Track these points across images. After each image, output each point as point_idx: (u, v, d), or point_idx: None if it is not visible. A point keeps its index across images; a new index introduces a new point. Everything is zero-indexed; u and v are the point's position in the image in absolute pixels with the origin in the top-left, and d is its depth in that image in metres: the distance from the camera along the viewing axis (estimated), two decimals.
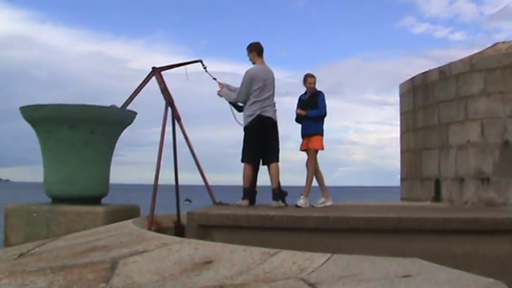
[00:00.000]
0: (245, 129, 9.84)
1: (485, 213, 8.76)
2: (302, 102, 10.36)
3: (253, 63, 9.92)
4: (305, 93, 10.43)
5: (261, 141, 9.73)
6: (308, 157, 10.20)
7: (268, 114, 9.74)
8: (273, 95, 9.91)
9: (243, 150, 9.85)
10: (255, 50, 9.99)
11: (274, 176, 9.74)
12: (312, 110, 10.14)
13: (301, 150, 10.30)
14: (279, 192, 9.73)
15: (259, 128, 9.68)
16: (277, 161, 9.82)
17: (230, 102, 10.30)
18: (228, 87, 10.22)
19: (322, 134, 10.24)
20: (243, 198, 9.65)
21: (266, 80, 9.73)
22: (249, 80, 9.70)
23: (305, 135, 10.21)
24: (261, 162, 9.93)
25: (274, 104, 9.93)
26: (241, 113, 10.05)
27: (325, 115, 10.23)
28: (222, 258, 4.21)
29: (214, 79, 10.38)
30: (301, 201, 9.80)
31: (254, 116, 9.66)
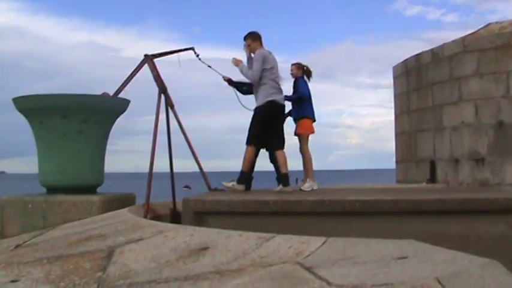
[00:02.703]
0: (258, 109, 9.68)
1: (480, 194, 8.78)
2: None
3: (252, 53, 9.83)
4: None
5: (269, 126, 9.65)
6: (300, 143, 10.26)
7: (282, 102, 9.76)
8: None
9: (250, 131, 9.69)
10: (259, 39, 9.91)
11: (285, 162, 9.72)
12: (291, 95, 10.32)
13: (294, 135, 10.35)
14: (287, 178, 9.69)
15: (271, 113, 9.61)
16: (283, 148, 9.79)
17: (236, 86, 10.27)
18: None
19: (308, 117, 10.30)
20: (239, 182, 9.52)
21: (275, 63, 9.77)
22: (262, 58, 9.63)
23: (294, 119, 10.29)
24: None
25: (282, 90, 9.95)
26: (247, 95, 10.06)
27: (301, 97, 10.27)
28: (218, 244, 4.21)
29: (209, 66, 10.35)
30: (305, 185, 9.86)
31: (270, 99, 9.57)
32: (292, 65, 10.56)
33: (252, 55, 9.79)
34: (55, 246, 4.80)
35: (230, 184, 9.43)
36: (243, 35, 9.88)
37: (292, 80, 10.56)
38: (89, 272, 3.84)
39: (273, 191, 9.58)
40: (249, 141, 9.65)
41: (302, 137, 10.24)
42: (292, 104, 10.34)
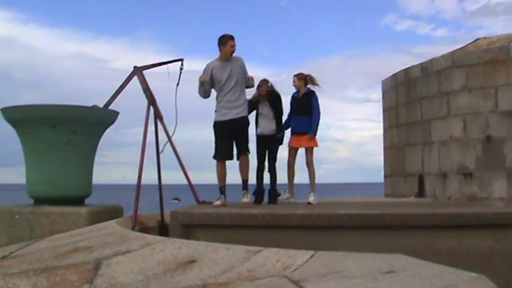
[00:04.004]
0: (247, 120, 9.68)
1: (468, 208, 8.80)
2: (295, 99, 10.49)
3: (226, 54, 9.50)
4: (297, 91, 10.53)
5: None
6: (307, 156, 10.32)
7: None
8: None
9: (247, 141, 9.68)
10: None
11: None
12: (310, 118, 10.24)
13: (292, 147, 10.33)
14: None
15: None
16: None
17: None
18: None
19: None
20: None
21: None
22: None
23: (298, 133, 10.25)
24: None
25: None
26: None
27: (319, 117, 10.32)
28: (205, 257, 4.20)
29: (177, 85, 10.14)
30: (312, 199, 9.97)
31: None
32: (294, 76, 10.50)
33: (226, 58, 9.49)
34: (42, 258, 4.76)
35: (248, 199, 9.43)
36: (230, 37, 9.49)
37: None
38: (75, 284, 3.81)
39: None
40: (248, 150, 9.68)
41: (311, 150, 10.34)
42: (300, 118, 10.34)
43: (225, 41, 9.43)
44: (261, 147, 10.06)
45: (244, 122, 9.60)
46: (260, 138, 10.07)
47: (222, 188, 9.50)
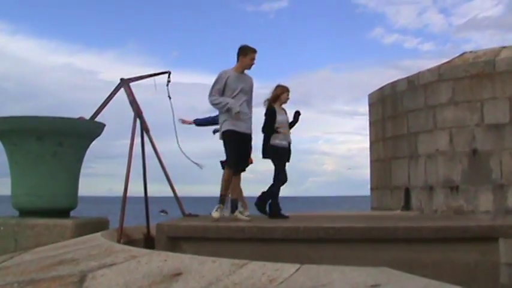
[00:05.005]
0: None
1: (454, 222, 8.82)
2: None
3: (245, 66, 9.14)
4: None
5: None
6: None
7: None
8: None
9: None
10: None
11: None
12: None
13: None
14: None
15: None
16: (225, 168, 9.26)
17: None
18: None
19: None
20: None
21: None
22: None
23: None
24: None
25: None
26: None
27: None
28: (191, 270, 4.18)
29: (169, 97, 10.20)
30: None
31: None
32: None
33: (244, 70, 9.14)
34: (26, 270, 4.73)
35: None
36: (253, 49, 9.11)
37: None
38: None
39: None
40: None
41: None
42: None
43: (247, 52, 9.02)
44: (283, 160, 9.54)
45: (250, 140, 9.25)
46: (283, 150, 9.52)
47: (223, 196, 8.93)
